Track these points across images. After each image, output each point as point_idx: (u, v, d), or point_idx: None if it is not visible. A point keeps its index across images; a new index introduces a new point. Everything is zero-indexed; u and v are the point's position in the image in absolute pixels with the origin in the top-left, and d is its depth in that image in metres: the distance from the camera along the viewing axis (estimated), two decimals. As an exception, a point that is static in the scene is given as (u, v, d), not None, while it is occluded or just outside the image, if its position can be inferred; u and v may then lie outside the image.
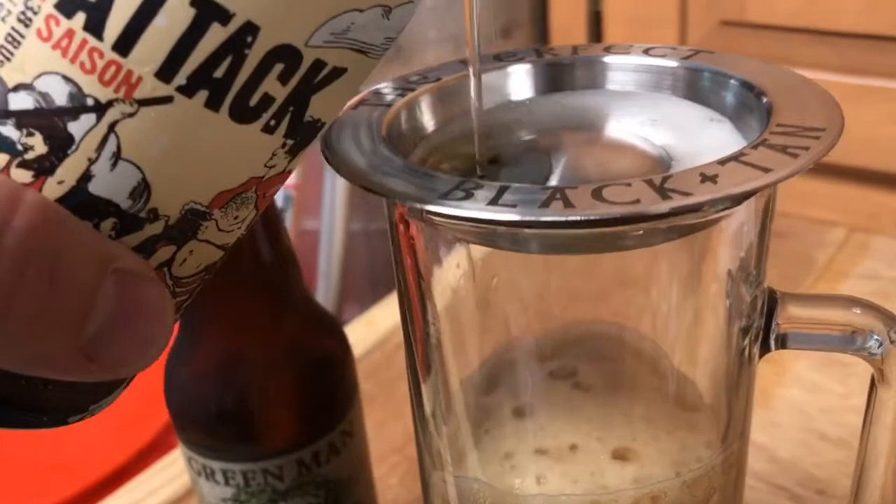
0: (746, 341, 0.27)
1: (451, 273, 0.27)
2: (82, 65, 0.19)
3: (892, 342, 0.26)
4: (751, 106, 0.26)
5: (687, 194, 0.20)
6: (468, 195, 0.21)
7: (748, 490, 0.33)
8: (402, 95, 0.28)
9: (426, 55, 0.95)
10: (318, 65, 0.21)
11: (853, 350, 0.27)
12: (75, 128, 0.19)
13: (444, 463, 0.29)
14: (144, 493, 0.54)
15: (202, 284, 0.24)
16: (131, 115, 0.19)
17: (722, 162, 0.21)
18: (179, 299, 0.23)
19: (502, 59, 0.30)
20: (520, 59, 0.30)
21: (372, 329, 0.66)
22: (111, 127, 0.19)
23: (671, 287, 0.27)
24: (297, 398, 0.38)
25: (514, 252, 0.25)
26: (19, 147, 0.19)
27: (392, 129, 0.26)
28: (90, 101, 0.19)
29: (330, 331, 0.40)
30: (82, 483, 0.69)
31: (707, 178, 0.21)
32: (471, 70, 0.26)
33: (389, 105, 0.27)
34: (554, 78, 0.30)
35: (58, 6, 0.19)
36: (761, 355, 0.27)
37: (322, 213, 0.92)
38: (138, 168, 0.20)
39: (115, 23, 0.19)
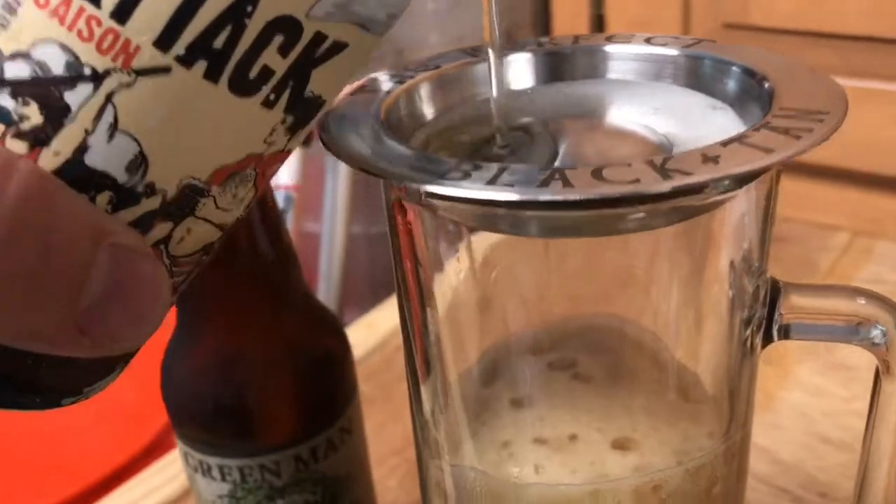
0: (749, 332, 0.27)
1: (449, 263, 0.27)
2: (80, 33, 0.19)
3: (897, 332, 0.25)
4: (753, 93, 0.26)
5: (688, 174, 0.20)
6: (466, 175, 0.21)
7: (750, 491, 0.33)
8: (402, 83, 0.28)
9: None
10: (319, 38, 0.20)
11: (857, 340, 0.26)
12: (72, 98, 0.19)
13: (441, 451, 0.28)
14: (143, 492, 0.54)
15: (200, 266, 0.24)
16: (129, 85, 0.19)
17: (724, 143, 0.21)
18: (176, 279, 0.23)
19: (504, 48, 0.30)
20: (521, 49, 0.30)
21: (372, 331, 0.65)
22: (108, 97, 0.19)
23: (673, 277, 0.27)
24: (295, 394, 0.38)
25: (513, 237, 0.24)
26: (14, 117, 0.19)
27: (391, 115, 0.26)
28: (87, 71, 0.19)
29: (329, 327, 0.40)
30: (81, 483, 0.69)
31: (709, 158, 0.20)
32: (490, 54, 0.26)
33: (388, 92, 0.27)
34: (555, 67, 0.30)
35: None
36: (764, 346, 0.27)
37: (323, 215, 0.92)
38: (135, 140, 0.19)
39: None
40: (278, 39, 0.20)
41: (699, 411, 0.28)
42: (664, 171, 0.20)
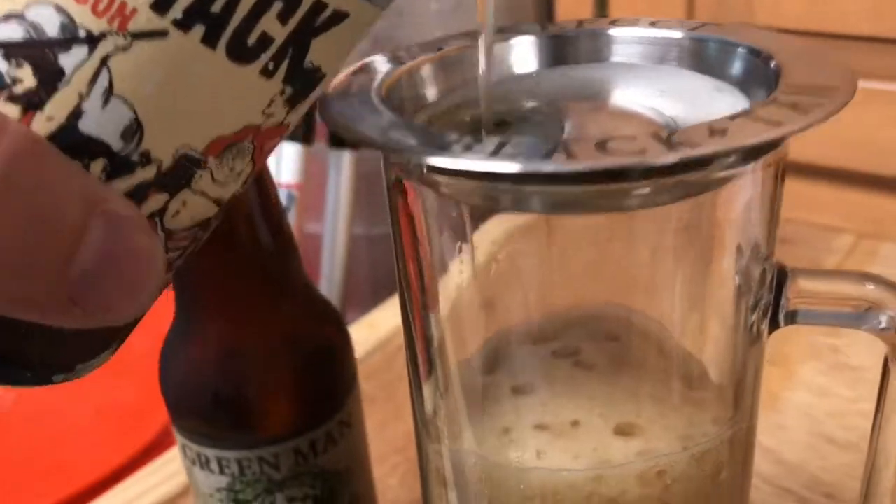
0: (755, 317, 0.26)
1: (450, 250, 0.26)
2: None
3: (906, 317, 0.25)
4: (759, 74, 0.25)
5: (695, 146, 0.19)
6: (468, 148, 0.20)
7: (754, 491, 0.32)
8: (403, 64, 0.27)
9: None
10: (319, 6, 0.20)
11: (865, 326, 0.26)
12: (66, 61, 0.18)
13: (441, 436, 0.28)
14: (140, 491, 0.54)
15: (196, 243, 0.24)
16: (125, 48, 0.19)
17: (732, 118, 0.21)
18: (171, 255, 0.23)
19: (506, 32, 0.30)
20: (524, 32, 0.30)
21: (373, 331, 0.65)
22: (104, 61, 0.19)
23: (678, 263, 0.27)
24: (293, 385, 0.37)
25: (516, 226, 0.24)
26: (7, 80, 0.18)
27: (392, 95, 0.26)
28: (82, 33, 0.18)
29: (329, 319, 0.39)
30: (81, 483, 0.68)
31: (716, 131, 0.20)
32: (481, 40, 0.26)
33: (389, 73, 0.27)
34: (559, 51, 0.29)
35: None
36: (770, 331, 0.27)
37: (325, 216, 0.92)
38: (131, 106, 0.19)
39: None
40: (278, 6, 0.19)
41: (704, 398, 0.28)
42: (670, 143, 0.19)
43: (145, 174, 0.20)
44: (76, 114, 0.19)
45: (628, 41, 0.29)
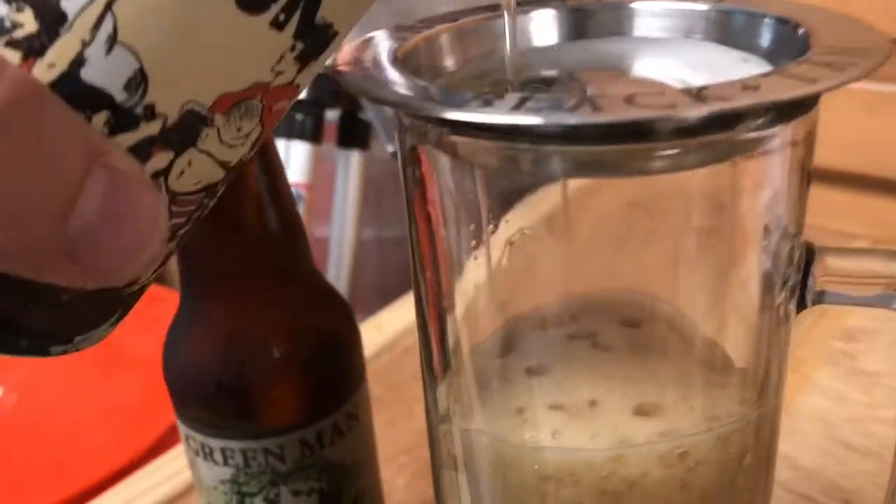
0: (782, 297, 0.25)
1: (465, 223, 0.26)
2: None
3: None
4: (787, 43, 0.25)
5: (726, 100, 0.18)
6: (488, 104, 0.20)
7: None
8: (419, 33, 0.27)
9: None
10: None
11: (895, 306, 0.25)
12: (69, 4, 0.18)
13: (453, 416, 0.27)
14: (143, 488, 0.53)
15: (202, 211, 0.23)
16: None
17: (764, 75, 0.20)
18: (176, 221, 0.22)
19: (526, 4, 0.29)
20: (544, 4, 0.29)
21: (381, 332, 0.65)
22: (108, 5, 0.18)
23: (703, 239, 0.26)
24: (300, 373, 0.36)
25: (532, 207, 0.23)
26: (7, 24, 0.18)
27: (409, 62, 0.25)
28: None
29: (337, 308, 0.38)
30: (81, 485, 0.68)
31: (749, 87, 0.19)
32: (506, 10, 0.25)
33: (404, 40, 0.26)
34: (581, 24, 0.28)
35: None
36: (798, 311, 0.26)
37: (332, 219, 0.91)
38: (136, 55, 0.18)
39: None
40: None
41: (729, 379, 0.26)
42: (701, 97, 0.19)
43: (150, 129, 0.19)
44: (78, 61, 0.18)
45: (651, 14, 0.28)
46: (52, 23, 0.18)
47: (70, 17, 0.18)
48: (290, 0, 0.19)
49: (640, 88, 0.26)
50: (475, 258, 0.26)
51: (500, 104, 0.19)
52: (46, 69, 0.18)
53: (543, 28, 0.28)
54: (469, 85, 0.26)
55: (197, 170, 0.21)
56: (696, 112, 0.18)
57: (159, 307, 0.37)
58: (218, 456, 0.36)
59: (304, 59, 0.21)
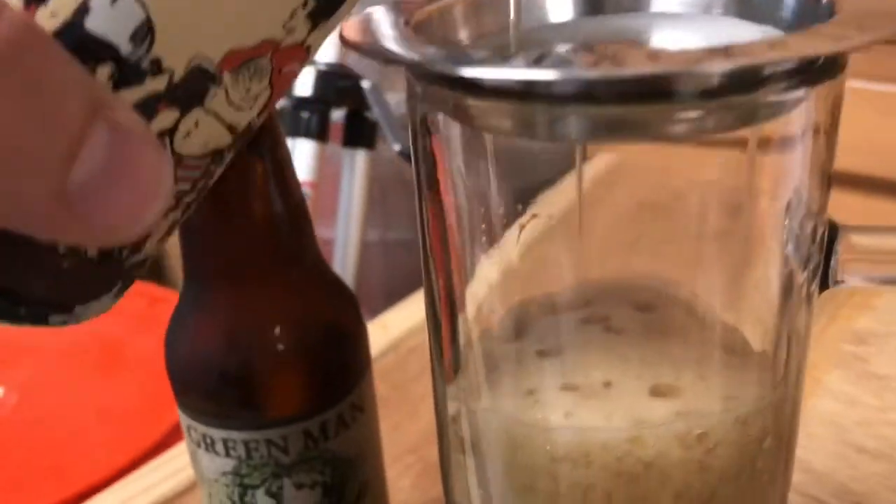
0: (804, 277, 0.25)
1: (476, 196, 0.25)
2: None
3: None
4: (811, 16, 0.24)
5: (752, 55, 0.18)
6: (504, 62, 0.19)
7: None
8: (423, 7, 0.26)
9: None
10: None
11: (921, 286, 0.24)
12: None
13: (461, 397, 0.26)
14: (141, 488, 0.52)
15: (208, 179, 0.22)
16: None
17: (790, 34, 0.19)
18: (181, 187, 0.21)
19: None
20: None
21: (386, 332, 0.64)
22: None
23: (724, 214, 0.25)
24: (304, 362, 0.35)
25: (549, 144, 0.22)
26: None
27: (421, 32, 0.24)
28: None
29: (342, 297, 0.38)
30: (80, 487, 0.67)
31: (775, 45, 0.18)
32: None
33: (414, 12, 0.25)
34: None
35: None
36: (820, 292, 0.25)
37: (337, 220, 0.90)
38: (142, 4, 0.18)
39: None
40: None
41: (750, 363, 0.26)
42: (726, 54, 0.18)
43: (156, 85, 0.19)
44: (82, 10, 0.17)
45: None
46: None
47: None
48: None
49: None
50: (485, 239, 0.26)
51: (518, 62, 0.19)
52: (49, 17, 0.17)
53: (559, 3, 0.28)
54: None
55: (204, 132, 0.20)
56: (721, 65, 0.17)
57: (160, 308, 0.36)
58: (220, 447, 0.36)
59: (315, 18, 0.20)
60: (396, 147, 0.83)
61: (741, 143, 0.22)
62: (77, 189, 0.17)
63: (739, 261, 0.26)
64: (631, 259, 0.28)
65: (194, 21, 0.18)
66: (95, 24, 0.17)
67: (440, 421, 0.28)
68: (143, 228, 0.19)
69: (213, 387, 0.35)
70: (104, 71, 0.18)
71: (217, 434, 0.35)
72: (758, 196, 0.25)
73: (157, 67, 0.18)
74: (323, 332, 0.36)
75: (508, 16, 0.26)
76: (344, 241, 0.90)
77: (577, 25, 0.27)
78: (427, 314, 0.28)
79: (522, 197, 0.25)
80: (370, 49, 0.21)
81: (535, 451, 0.24)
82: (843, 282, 0.25)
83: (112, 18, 0.18)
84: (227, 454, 0.36)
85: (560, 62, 0.18)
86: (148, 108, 0.19)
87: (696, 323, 0.26)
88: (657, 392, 0.24)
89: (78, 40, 0.18)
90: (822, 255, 0.25)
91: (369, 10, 0.26)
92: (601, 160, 0.24)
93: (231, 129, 0.21)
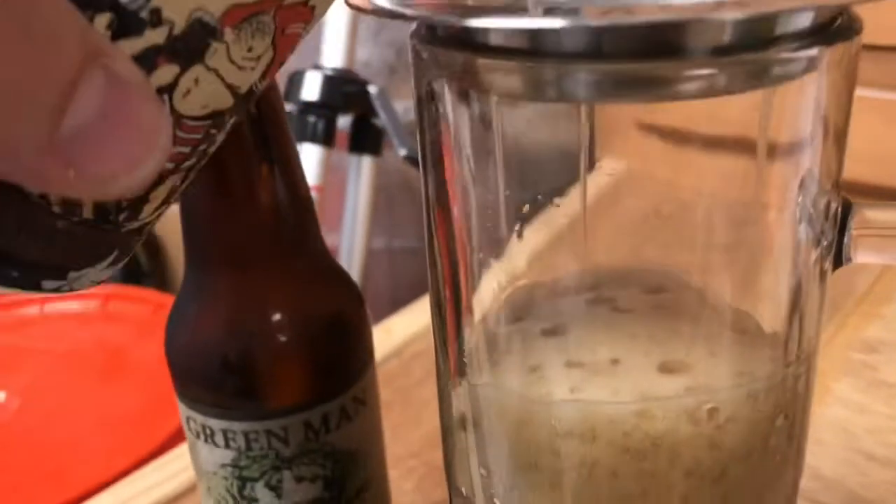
0: (817, 254, 0.24)
1: (483, 168, 0.24)
2: None
3: None
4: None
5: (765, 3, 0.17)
6: (514, 13, 0.18)
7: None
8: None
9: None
10: None
11: (937, 262, 0.23)
12: None
13: (465, 373, 0.26)
14: (141, 489, 0.52)
15: (208, 144, 0.22)
16: None
17: (805, -11, 0.19)
18: (180, 150, 0.21)
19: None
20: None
21: (390, 337, 0.64)
22: None
23: (735, 187, 0.24)
24: (306, 352, 0.35)
25: (558, 105, 0.22)
26: None
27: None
28: None
29: (346, 287, 0.37)
30: (80, 491, 0.66)
31: None
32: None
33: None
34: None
35: None
36: (834, 269, 0.24)
37: (343, 227, 0.90)
38: None
39: None
40: None
41: (761, 338, 0.25)
42: (739, 2, 0.17)
43: (155, 37, 0.18)
44: None
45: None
46: None
47: None
48: None
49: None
50: (490, 225, 0.25)
51: (526, 14, 0.18)
52: None
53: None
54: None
55: (204, 90, 0.20)
56: (733, 13, 0.17)
57: (163, 315, 0.36)
58: (219, 438, 0.35)
59: None
60: (402, 151, 0.83)
61: (755, 108, 0.22)
62: (70, 134, 0.16)
63: (752, 239, 0.25)
64: (640, 242, 0.27)
65: None
66: None
67: (442, 399, 0.27)
68: (139, 182, 0.18)
69: (214, 375, 0.34)
70: (102, 20, 0.17)
71: (216, 424, 0.35)
72: (770, 170, 0.24)
73: (156, 18, 0.18)
74: (326, 322, 0.35)
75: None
76: (349, 249, 0.89)
77: None
78: (429, 268, 0.27)
79: (531, 175, 0.25)
80: (376, 7, 0.21)
81: (539, 427, 0.24)
82: (856, 260, 0.24)
83: None
84: (227, 445, 0.35)
85: (569, 13, 0.18)
86: (147, 60, 0.18)
87: (707, 301, 0.26)
88: (666, 368, 0.24)
89: None
90: (835, 231, 0.24)
91: None
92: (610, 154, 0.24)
93: (233, 90, 0.21)
